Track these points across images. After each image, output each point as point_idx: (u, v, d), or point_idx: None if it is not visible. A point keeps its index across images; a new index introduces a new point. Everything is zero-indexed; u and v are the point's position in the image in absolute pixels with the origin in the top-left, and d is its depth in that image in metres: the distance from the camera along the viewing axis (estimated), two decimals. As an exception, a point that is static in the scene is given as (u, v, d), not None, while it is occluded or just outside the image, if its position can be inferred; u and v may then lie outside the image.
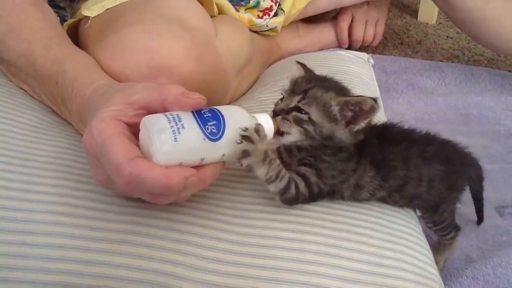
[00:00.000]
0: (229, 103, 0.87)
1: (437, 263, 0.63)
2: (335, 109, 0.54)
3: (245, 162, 0.50)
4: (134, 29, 0.68)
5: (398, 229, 0.59)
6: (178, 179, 0.46)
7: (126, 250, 0.51)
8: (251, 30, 1.05)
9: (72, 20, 0.82)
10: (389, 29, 1.51)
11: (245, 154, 0.50)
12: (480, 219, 0.76)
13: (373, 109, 0.52)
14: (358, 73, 0.95)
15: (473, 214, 0.75)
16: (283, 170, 0.53)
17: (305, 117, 0.54)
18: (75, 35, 0.82)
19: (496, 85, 1.21)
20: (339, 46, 1.32)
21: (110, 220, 0.53)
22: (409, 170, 0.58)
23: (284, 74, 0.92)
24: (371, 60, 1.08)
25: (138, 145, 0.49)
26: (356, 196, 0.59)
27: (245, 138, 0.49)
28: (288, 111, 0.55)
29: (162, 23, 0.69)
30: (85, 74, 0.61)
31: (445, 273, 0.71)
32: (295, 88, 0.56)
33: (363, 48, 1.36)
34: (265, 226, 0.55)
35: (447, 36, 1.52)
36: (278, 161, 0.53)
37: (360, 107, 0.53)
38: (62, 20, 0.90)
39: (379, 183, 0.58)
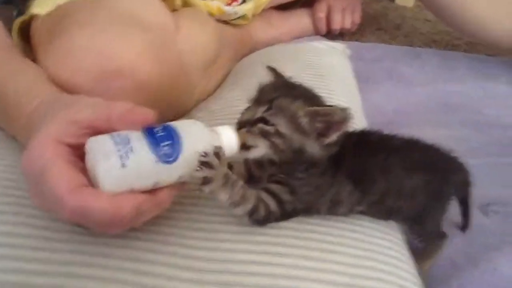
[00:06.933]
0: (196, 104, 0.81)
1: (421, 270, 0.59)
2: (304, 120, 0.49)
3: (207, 189, 0.45)
4: (83, 31, 0.62)
5: (378, 243, 0.54)
6: (128, 208, 0.41)
7: (74, 285, 0.45)
8: (219, 21, 0.99)
9: (23, 17, 0.75)
10: (366, 13, 1.46)
11: (206, 180, 0.45)
12: (465, 225, 0.72)
13: (344, 121, 0.47)
14: (333, 66, 0.90)
15: (458, 216, 0.71)
16: (249, 191, 0.48)
17: (271, 129, 0.49)
18: (28, 33, 0.75)
19: (474, 70, 1.17)
20: (316, 34, 1.26)
21: (56, 250, 0.48)
22: (389, 182, 0.54)
23: (256, 70, 0.87)
24: (347, 51, 1.02)
25: (84, 170, 0.43)
26: (333, 211, 0.54)
27: (205, 164, 0.44)
28: (254, 122, 0.50)
29: (114, 22, 0.63)
30: (29, 93, 0.55)
31: (430, 281, 0.67)
32: (260, 97, 0.51)
33: (339, 35, 1.31)
34: (233, 249, 0.50)
35: (426, 20, 1.48)
36: (241, 182, 0.48)
37: (331, 118, 0.48)
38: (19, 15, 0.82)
39: (358, 197, 0.53)
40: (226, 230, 0.52)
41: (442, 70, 1.19)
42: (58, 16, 0.68)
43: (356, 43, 1.28)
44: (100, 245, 0.49)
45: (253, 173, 0.56)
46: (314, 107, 0.49)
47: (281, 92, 0.50)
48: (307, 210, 0.53)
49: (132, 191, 0.42)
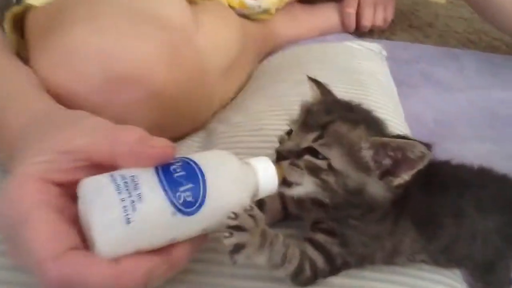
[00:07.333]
0: (215, 112, 0.70)
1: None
2: (367, 153, 0.38)
3: (240, 258, 0.34)
4: (85, 27, 0.51)
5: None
6: (135, 276, 0.31)
7: None
8: (240, 15, 0.88)
9: (18, 8, 0.64)
10: (395, 9, 1.34)
11: (238, 247, 0.34)
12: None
13: (422, 159, 0.36)
14: (372, 71, 0.78)
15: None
16: (291, 247, 0.38)
17: (323, 164, 0.38)
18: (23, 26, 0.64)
19: (519, 75, 1.06)
20: (344, 31, 1.14)
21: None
22: (461, 226, 0.43)
23: (282, 75, 0.76)
24: (384, 52, 0.91)
25: (77, 219, 0.33)
26: (390, 261, 0.43)
27: (235, 228, 0.33)
28: (299, 153, 0.39)
29: (123, 17, 0.52)
30: (14, 102, 0.45)
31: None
32: (308, 120, 0.39)
33: (368, 32, 1.19)
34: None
35: (460, 17, 1.35)
36: (281, 239, 0.37)
37: (404, 154, 0.37)
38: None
39: (422, 245, 0.42)
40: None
41: (483, 74, 1.07)
42: (57, 8, 0.58)
43: (388, 41, 1.17)
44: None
45: (290, 211, 0.45)
46: (381, 137, 0.38)
47: (336, 115, 0.39)
48: (360, 262, 0.42)
49: (140, 252, 0.32)
